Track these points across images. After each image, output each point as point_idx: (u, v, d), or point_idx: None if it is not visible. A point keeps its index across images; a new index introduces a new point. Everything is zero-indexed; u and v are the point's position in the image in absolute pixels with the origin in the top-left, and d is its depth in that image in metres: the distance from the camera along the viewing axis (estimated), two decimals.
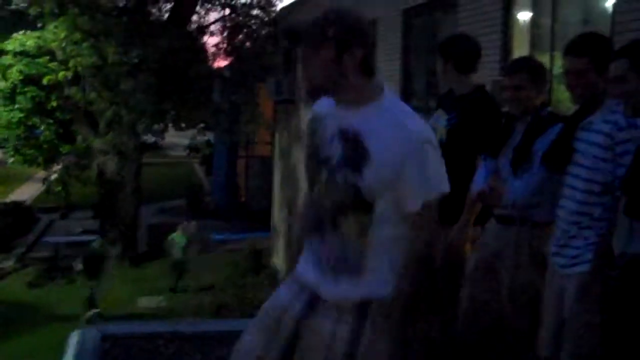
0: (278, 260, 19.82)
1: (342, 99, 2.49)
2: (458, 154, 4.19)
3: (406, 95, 11.66)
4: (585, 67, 3.39)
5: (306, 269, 2.65)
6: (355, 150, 2.43)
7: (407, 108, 2.51)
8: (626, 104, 3.09)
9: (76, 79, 19.15)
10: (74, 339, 5.10)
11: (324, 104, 2.60)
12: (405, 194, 2.42)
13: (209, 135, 31.58)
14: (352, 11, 2.48)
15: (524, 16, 8.54)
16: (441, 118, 4.36)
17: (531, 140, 3.78)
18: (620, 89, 3.07)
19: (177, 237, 18.70)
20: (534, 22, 8.33)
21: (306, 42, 2.45)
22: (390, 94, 2.51)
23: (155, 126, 23.53)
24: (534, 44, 8.03)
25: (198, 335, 4.46)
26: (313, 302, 2.61)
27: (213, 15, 23.15)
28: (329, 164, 2.51)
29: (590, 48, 3.43)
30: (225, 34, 22.64)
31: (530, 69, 3.95)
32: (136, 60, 18.57)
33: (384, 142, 2.38)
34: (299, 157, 18.59)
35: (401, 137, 2.38)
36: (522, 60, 4.30)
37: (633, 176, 3.02)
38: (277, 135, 21.52)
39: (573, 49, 3.49)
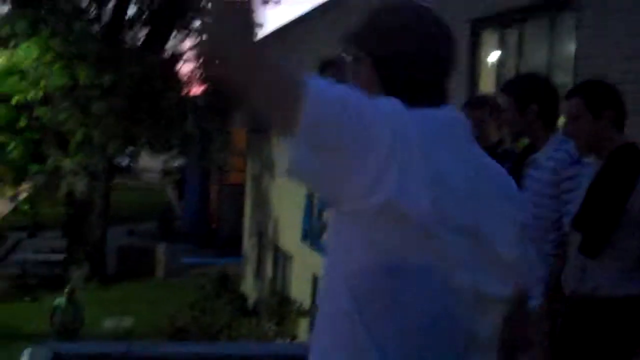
0: (246, 287, 19.78)
1: None
2: None
3: None
4: (508, 106, 3.54)
5: None
6: None
7: None
8: (578, 142, 3.17)
9: (46, 100, 19.11)
10: (25, 357, 5.10)
11: None
12: None
13: (182, 161, 31.52)
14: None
15: (491, 56, 8.74)
16: None
17: None
18: (574, 127, 3.16)
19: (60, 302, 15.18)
20: (500, 62, 8.52)
21: None
22: None
23: (128, 149, 23.46)
24: (500, 83, 8.20)
25: (149, 357, 4.49)
26: None
27: (188, 43, 23.24)
28: None
29: (514, 87, 3.59)
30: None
31: (492, 105, 4.06)
32: (109, 84, 18.59)
33: None
34: (270, 184, 18.65)
35: None
36: (483, 96, 4.37)
37: (584, 213, 3.07)
38: (249, 163, 21.59)
39: (502, 87, 3.68)
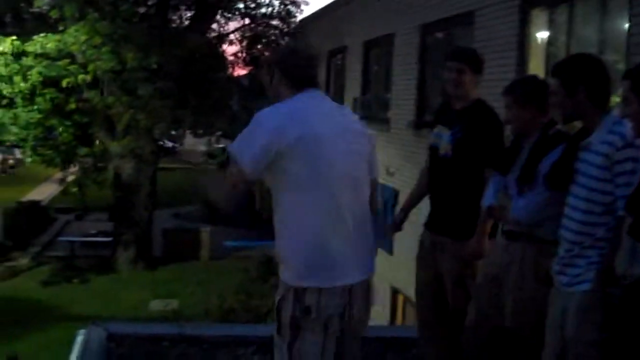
0: None
1: None
2: (465, 168, 4.26)
3: (421, 110, 11.71)
4: (556, 89, 3.47)
5: None
6: None
7: None
8: (632, 125, 3.12)
9: (95, 83, 19.34)
10: (80, 337, 5.18)
11: None
12: None
13: (226, 143, 31.71)
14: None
15: (540, 34, 8.58)
16: (443, 133, 4.41)
17: (537, 159, 3.80)
18: (623, 109, 3.12)
19: None
20: (550, 40, 8.36)
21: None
22: None
23: (173, 132, 23.61)
24: (550, 62, 8.05)
25: (202, 339, 4.51)
26: None
27: (233, 25, 23.36)
28: None
29: (561, 70, 3.51)
30: (244, 43, 22.83)
31: (518, 90, 3.98)
32: (155, 66, 18.74)
33: None
34: None
35: None
36: (515, 81, 4.29)
37: (636, 196, 3.03)
38: None
39: (551, 70, 3.61)
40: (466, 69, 4.32)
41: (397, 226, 4.72)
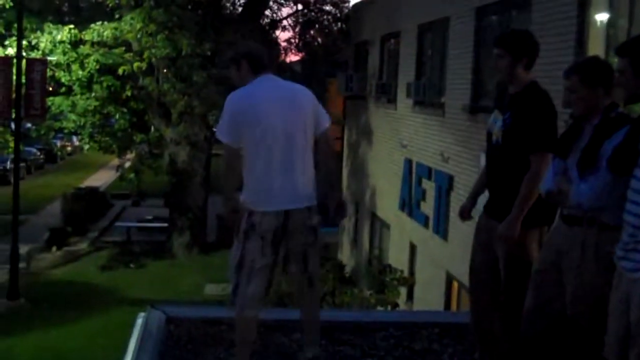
0: (342, 255, 19.90)
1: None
2: (516, 154, 4.22)
3: (477, 94, 11.57)
4: (624, 68, 3.37)
5: None
6: None
7: None
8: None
9: (150, 70, 19.58)
10: (140, 319, 5.28)
11: None
12: None
13: None
14: None
15: (600, 17, 8.39)
16: (497, 120, 4.37)
17: (599, 142, 3.72)
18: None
19: None
20: (610, 22, 8.18)
21: None
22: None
23: None
24: (610, 45, 7.88)
25: (259, 323, 4.54)
26: None
27: (286, 11, 23.42)
28: None
29: (630, 49, 3.40)
30: (297, 29, 22.86)
31: (581, 71, 3.90)
32: (209, 53, 18.88)
33: None
34: (368, 152, 18.63)
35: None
36: (577, 62, 4.18)
37: None
38: (346, 131, 21.61)
39: (617, 49, 3.49)
40: (504, 54, 4.27)
41: (467, 214, 4.70)
